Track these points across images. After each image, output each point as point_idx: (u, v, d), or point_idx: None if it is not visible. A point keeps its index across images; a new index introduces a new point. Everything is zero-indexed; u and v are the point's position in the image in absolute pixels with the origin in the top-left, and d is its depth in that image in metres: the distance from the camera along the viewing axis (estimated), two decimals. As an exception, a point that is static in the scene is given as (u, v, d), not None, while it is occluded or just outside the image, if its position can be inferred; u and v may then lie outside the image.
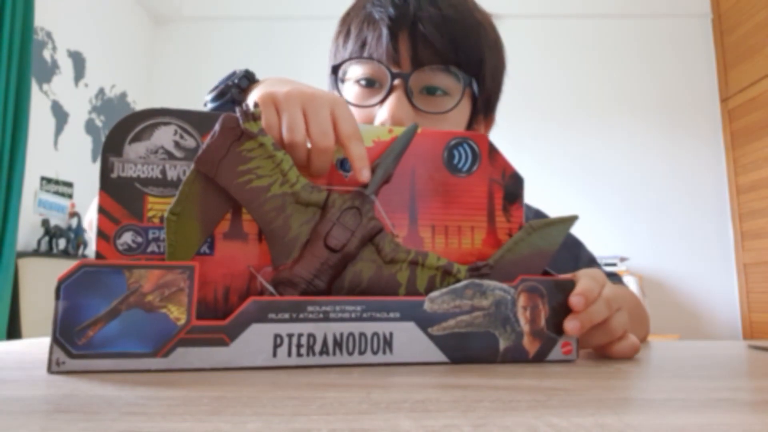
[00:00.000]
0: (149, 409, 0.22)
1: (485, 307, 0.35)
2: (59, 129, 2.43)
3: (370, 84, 0.55)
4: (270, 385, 0.27)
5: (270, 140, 0.34)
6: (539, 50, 3.10)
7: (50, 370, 0.29)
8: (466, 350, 0.34)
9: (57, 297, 0.30)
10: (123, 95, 2.97)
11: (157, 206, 0.34)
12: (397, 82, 0.52)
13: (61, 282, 0.30)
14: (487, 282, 0.36)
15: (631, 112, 3.02)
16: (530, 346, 0.36)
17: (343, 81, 0.57)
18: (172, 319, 0.30)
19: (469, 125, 0.58)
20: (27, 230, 2.17)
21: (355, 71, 0.56)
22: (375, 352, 0.33)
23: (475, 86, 0.55)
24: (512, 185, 0.42)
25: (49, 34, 2.37)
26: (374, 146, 0.38)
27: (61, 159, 2.43)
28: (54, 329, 0.29)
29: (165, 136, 0.34)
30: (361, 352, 0.33)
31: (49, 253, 2.23)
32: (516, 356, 0.35)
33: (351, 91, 0.56)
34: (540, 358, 0.36)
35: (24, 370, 0.33)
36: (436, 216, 0.39)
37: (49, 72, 2.37)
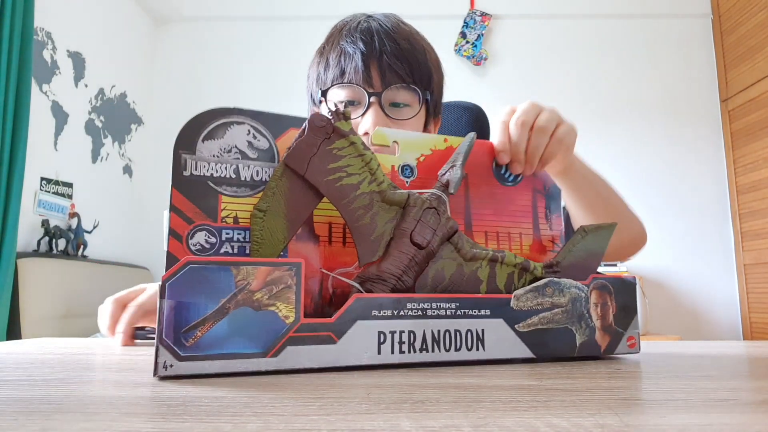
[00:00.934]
0: (149, 409, 0.22)
1: (563, 304, 0.37)
2: (59, 129, 2.43)
3: (351, 103, 0.70)
4: (270, 385, 0.27)
5: (360, 139, 0.35)
6: (539, 50, 3.10)
7: (157, 374, 0.28)
8: (547, 346, 0.36)
9: (162, 296, 0.28)
10: (123, 96, 2.97)
11: (231, 206, 0.34)
12: (373, 99, 0.68)
13: (166, 281, 0.28)
14: (564, 280, 0.38)
15: (631, 112, 3.02)
16: (602, 340, 0.38)
17: (327, 101, 0.71)
18: (281, 317, 0.30)
19: (425, 126, 0.75)
20: (27, 231, 2.17)
21: (338, 93, 0.70)
22: (469, 349, 0.34)
23: (428, 96, 0.71)
24: (553, 196, 0.45)
25: (49, 35, 2.37)
26: (433, 154, 0.41)
27: (61, 159, 2.43)
28: (160, 330, 0.28)
29: (238, 135, 0.35)
30: (456, 349, 0.34)
31: (49, 253, 2.23)
32: (590, 351, 0.37)
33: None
34: (610, 351, 0.38)
35: (24, 370, 0.33)
36: (489, 222, 0.42)
37: (49, 72, 2.37)
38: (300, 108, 2.93)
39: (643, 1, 3.11)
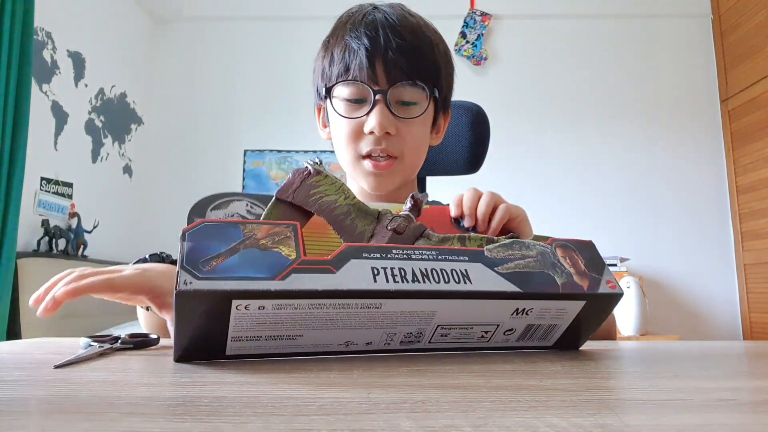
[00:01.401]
0: (149, 409, 0.22)
1: (533, 255, 0.41)
2: (59, 129, 2.43)
3: (356, 101, 0.68)
4: (270, 385, 0.27)
5: (333, 174, 0.44)
6: (539, 50, 3.10)
7: (178, 290, 0.32)
8: (531, 283, 0.39)
9: (183, 240, 0.35)
10: (123, 95, 2.97)
11: None
12: (378, 97, 0.66)
13: (185, 232, 0.35)
14: (526, 240, 0.43)
15: (630, 113, 3.02)
16: (582, 282, 0.41)
17: (332, 97, 0.69)
18: (284, 255, 0.35)
19: (434, 122, 0.73)
20: (27, 231, 2.17)
21: (343, 90, 0.68)
22: (457, 282, 0.37)
23: (436, 92, 0.69)
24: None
25: (49, 35, 2.37)
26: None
27: (61, 159, 2.43)
28: (181, 260, 0.33)
29: (239, 207, 0.44)
30: (446, 281, 0.37)
31: (49, 253, 2.23)
32: (574, 288, 0.40)
33: (340, 105, 0.68)
34: (593, 290, 0.41)
35: (24, 370, 0.33)
36: None
37: (49, 72, 2.37)
38: (298, 106, 2.92)
39: (643, 1, 3.11)
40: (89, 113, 2.66)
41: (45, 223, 2.23)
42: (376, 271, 0.36)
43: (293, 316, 0.35)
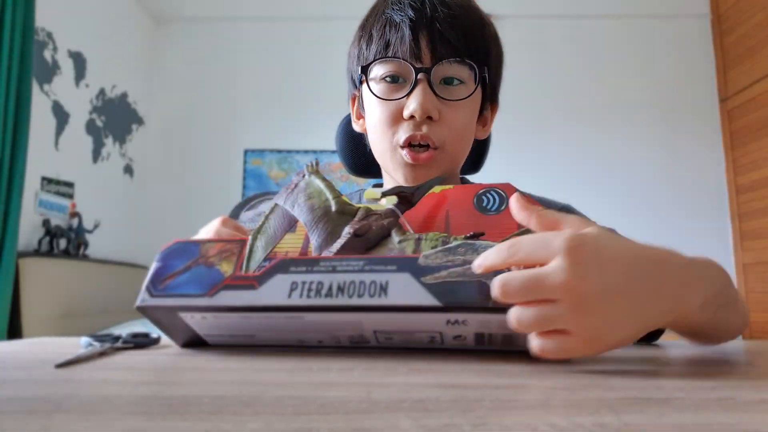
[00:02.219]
0: (149, 408, 0.22)
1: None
2: (60, 129, 2.43)
3: (395, 80, 0.61)
4: (270, 385, 0.27)
5: (326, 175, 0.47)
6: (538, 50, 3.10)
7: (137, 305, 0.40)
8: (457, 295, 0.35)
9: (156, 260, 0.42)
10: (123, 95, 2.97)
11: None
12: (420, 76, 0.58)
13: (161, 251, 0.43)
14: (479, 242, 0.38)
15: (630, 113, 3.02)
16: None
17: (368, 81, 0.63)
18: (222, 272, 0.40)
19: (480, 111, 0.66)
20: (28, 230, 2.18)
21: (380, 69, 0.61)
22: (372, 296, 0.37)
23: (486, 72, 0.61)
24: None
25: (49, 35, 2.37)
26: (428, 196, 0.46)
27: (62, 159, 2.43)
28: (147, 278, 0.41)
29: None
30: (359, 295, 0.37)
31: (49, 253, 2.23)
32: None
33: (377, 87, 0.62)
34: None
35: (24, 369, 0.33)
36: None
37: (49, 72, 2.37)
38: (298, 105, 2.91)
39: (642, 1, 3.11)
40: (90, 113, 2.66)
41: (46, 222, 2.23)
42: (294, 286, 0.38)
43: (233, 323, 0.41)
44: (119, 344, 0.44)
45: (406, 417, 0.20)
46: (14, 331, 1.89)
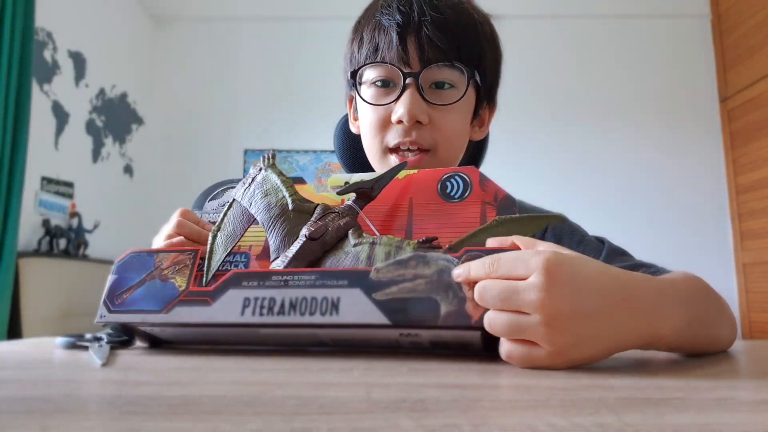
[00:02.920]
0: (149, 408, 0.22)
1: (427, 275, 0.36)
2: (60, 129, 2.43)
3: (385, 84, 0.61)
4: (270, 385, 0.27)
5: (277, 171, 0.47)
6: (538, 50, 3.10)
7: (96, 321, 0.41)
8: (408, 313, 0.35)
9: (112, 273, 0.43)
10: (123, 95, 2.97)
11: None
12: (409, 80, 0.58)
13: (115, 263, 0.43)
14: (431, 254, 0.37)
15: (630, 112, 3.02)
16: (474, 311, 0.34)
17: (360, 84, 0.63)
18: (176, 286, 0.40)
19: (475, 112, 0.65)
20: (28, 230, 2.18)
21: (370, 74, 0.61)
22: (323, 314, 0.37)
23: (477, 77, 0.61)
24: (505, 206, 0.45)
25: (49, 35, 2.37)
26: (392, 184, 0.46)
27: (62, 159, 2.43)
28: (104, 293, 0.42)
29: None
30: (311, 313, 0.37)
31: (49, 253, 2.23)
32: (458, 321, 0.35)
33: (368, 92, 0.62)
34: (481, 323, 0.34)
35: (24, 369, 0.33)
36: (431, 234, 0.42)
37: (49, 72, 2.37)
38: (298, 105, 2.91)
39: (642, 1, 3.11)
40: (90, 113, 2.66)
41: (46, 222, 2.23)
42: (247, 302, 0.38)
43: (191, 333, 0.41)
44: (102, 344, 0.43)
45: (406, 417, 0.20)
46: (14, 331, 1.89)
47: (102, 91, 2.77)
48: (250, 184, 0.47)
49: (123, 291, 0.41)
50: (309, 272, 0.38)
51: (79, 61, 2.58)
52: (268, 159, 0.48)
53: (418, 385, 0.27)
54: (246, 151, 3.16)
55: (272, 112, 3.15)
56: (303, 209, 0.44)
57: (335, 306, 0.37)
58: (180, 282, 0.40)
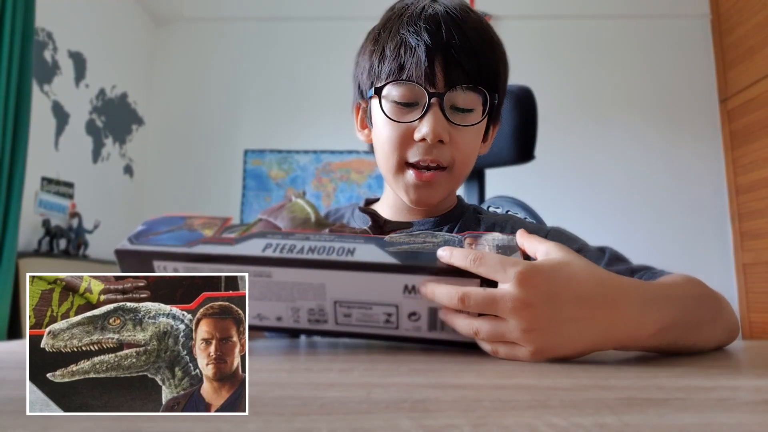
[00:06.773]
0: (150, 408, 0.22)
1: (435, 242, 0.42)
2: (60, 129, 2.43)
3: (407, 104, 0.62)
4: (270, 385, 0.27)
5: (303, 199, 0.50)
6: (538, 50, 3.10)
7: (115, 249, 0.42)
8: (414, 259, 0.39)
9: (141, 225, 0.44)
10: (123, 96, 2.97)
11: None
12: (433, 100, 0.59)
13: (148, 220, 0.45)
14: (440, 232, 0.44)
15: (630, 113, 3.02)
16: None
17: (380, 98, 0.63)
18: (203, 233, 0.43)
19: (485, 132, 0.68)
20: (28, 230, 2.18)
21: (393, 90, 0.62)
22: (339, 255, 0.40)
23: (495, 99, 0.62)
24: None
25: (49, 35, 2.37)
26: None
27: (62, 159, 2.43)
28: (131, 235, 0.43)
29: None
30: (328, 254, 0.40)
31: (49, 253, 2.23)
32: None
33: (387, 106, 0.63)
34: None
35: (24, 369, 0.33)
36: None
37: (49, 72, 2.37)
38: (298, 106, 2.91)
39: (642, 1, 3.11)
40: (90, 113, 2.67)
41: (46, 223, 2.23)
42: (268, 245, 0.41)
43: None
44: None
45: (406, 417, 0.20)
46: (14, 331, 1.89)
47: (102, 92, 2.77)
48: (278, 209, 0.49)
49: (149, 234, 0.42)
50: (329, 234, 0.43)
51: (79, 61, 2.58)
52: (299, 193, 0.51)
53: (418, 385, 0.27)
54: (246, 152, 3.16)
55: (272, 113, 3.15)
56: (323, 223, 0.47)
57: (350, 252, 0.40)
58: (207, 231, 0.43)
